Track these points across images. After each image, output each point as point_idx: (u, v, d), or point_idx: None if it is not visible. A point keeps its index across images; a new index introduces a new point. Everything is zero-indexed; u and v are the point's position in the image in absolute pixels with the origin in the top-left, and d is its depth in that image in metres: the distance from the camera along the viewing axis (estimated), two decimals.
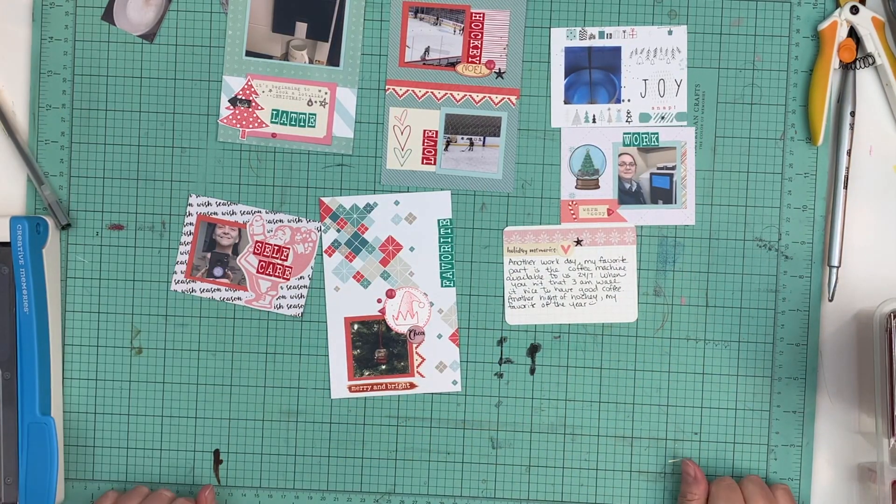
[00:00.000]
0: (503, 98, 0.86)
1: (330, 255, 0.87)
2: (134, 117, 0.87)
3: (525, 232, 0.87)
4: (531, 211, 0.87)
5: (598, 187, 0.86)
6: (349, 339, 0.88)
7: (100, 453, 0.87)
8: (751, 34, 0.86)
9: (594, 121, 0.86)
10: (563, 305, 0.86)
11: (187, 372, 0.88)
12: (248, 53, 0.86)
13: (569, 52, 0.86)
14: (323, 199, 0.87)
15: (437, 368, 0.87)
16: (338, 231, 0.87)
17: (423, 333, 0.87)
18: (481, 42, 0.86)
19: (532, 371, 0.87)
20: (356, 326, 0.88)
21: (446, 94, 0.86)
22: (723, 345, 0.86)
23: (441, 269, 0.87)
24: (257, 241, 0.87)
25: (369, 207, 0.87)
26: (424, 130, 0.86)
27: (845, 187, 0.85)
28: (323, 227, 0.87)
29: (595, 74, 0.86)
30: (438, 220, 0.87)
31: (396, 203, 0.87)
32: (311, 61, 0.86)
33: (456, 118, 0.86)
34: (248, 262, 0.87)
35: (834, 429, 0.87)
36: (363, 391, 0.88)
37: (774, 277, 0.86)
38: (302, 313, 0.87)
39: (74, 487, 0.87)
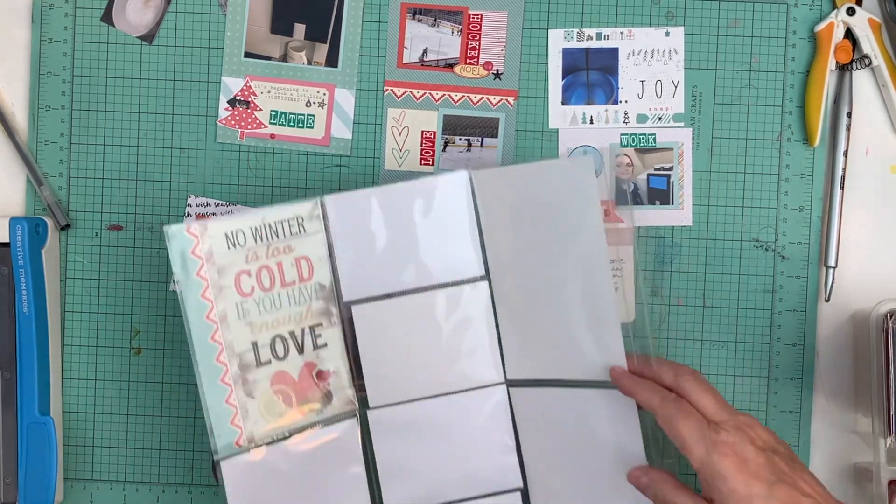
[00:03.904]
0: (501, 99, 0.86)
1: None
2: (133, 118, 0.87)
3: None
4: None
5: None
6: None
7: (99, 453, 0.88)
8: (748, 35, 0.86)
9: (592, 122, 0.86)
10: None
11: (186, 372, 0.88)
12: (247, 55, 0.87)
13: (566, 53, 0.87)
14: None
15: None
16: None
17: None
18: (479, 43, 0.86)
19: None
20: None
21: (444, 95, 0.86)
22: (720, 345, 0.86)
23: None
24: None
25: None
26: (423, 131, 0.87)
27: (842, 188, 0.85)
28: None
29: (592, 75, 0.87)
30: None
31: None
32: (309, 62, 0.86)
33: (454, 119, 0.86)
34: None
35: (830, 429, 0.87)
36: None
37: (771, 278, 0.86)
38: None
39: (74, 487, 0.88)
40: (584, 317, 0.77)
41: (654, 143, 0.86)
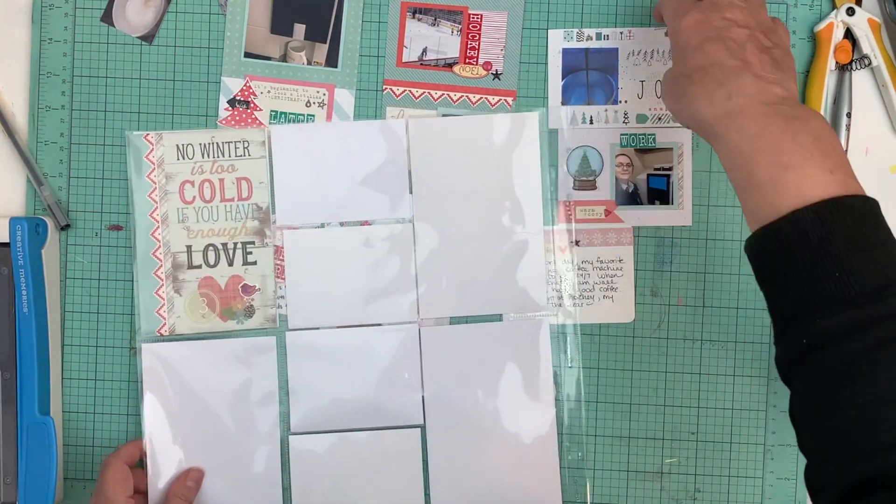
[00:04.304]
0: (500, 99, 0.86)
1: None
2: (133, 118, 0.87)
3: None
4: None
5: (596, 188, 0.86)
6: None
7: (99, 453, 0.88)
8: None
9: (591, 122, 0.86)
10: (560, 306, 0.86)
11: None
12: (247, 55, 0.87)
13: (566, 53, 0.87)
14: None
15: None
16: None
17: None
18: (479, 43, 0.86)
19: None
20: None
21: (443, 94, 0.86)
22: (719, 345, 0.86)
23: None
24: None
25: None
26: None
27: None
28: None
29: (592, 76, 0.87)
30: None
31: None
32: (309, 63, 0.86)
33: None
34: None
35: None
36: None
37: None
38: None
39: (73, 487, 0.88)
40: (509, 260, 0.84)
41: (654, 143, 0.86)
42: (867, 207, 0.61)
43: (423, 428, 0.85)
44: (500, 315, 0.85)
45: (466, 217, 0.85)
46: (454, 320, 0.85)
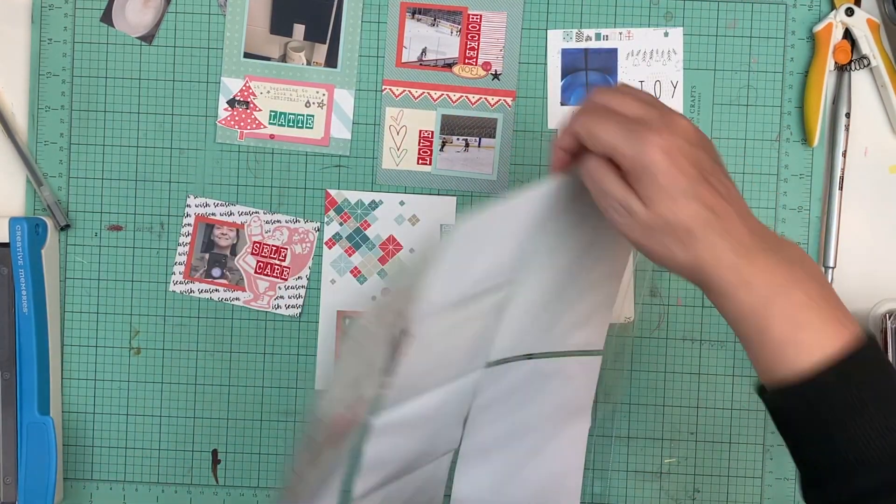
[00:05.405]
0: (499, 100, 0.86)
1: (330, 248, 0.88)
2: (133, 119, 0.87)
3: None
4: None
5: None
6: (339, 332, 0.88)
7: (98, 453, 0.88)
8: (746, 36, 0.86)
9: None
10: None
11: (185, 372, 0.88)
12: (247, 55, 0.87)
13: (565, 53, 0.87)
14: (329, 190, 0.87)
15: None
16: (340, 224, 0.88)
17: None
18: (478, 43, 0.86)
19: None
20: (347, 321, 0.88)
21: (442, 94, 0.86)
22: (719, 345, 0.86)
23: None
24: (255, 242, 0.87)
25: (374, 205, 0.88)
26: (420, 131, 0.87)
27: (840, 188, 0.85)
28: (326, 219, 0.87)
29: (591, 76, 0.87)
30: (441, 226, 0.87)
31: (402, 203, 0.87)
32: (308, 63, 0.87)
33: (452, 119, 0.86)
34: (246, 262, 0.88)
35: None
36: None
37: None
38: (300, 313, 0.88)
39: (73, 487, 0.88)
40: (585, 298, 0.73)
41: None
42: (877, 353, 0.61)
43: (456, 450, 0.76)
44: (558, 352, 0.76)
45: (564, 263, 0.71)
46: (506, 360, 0.75)
